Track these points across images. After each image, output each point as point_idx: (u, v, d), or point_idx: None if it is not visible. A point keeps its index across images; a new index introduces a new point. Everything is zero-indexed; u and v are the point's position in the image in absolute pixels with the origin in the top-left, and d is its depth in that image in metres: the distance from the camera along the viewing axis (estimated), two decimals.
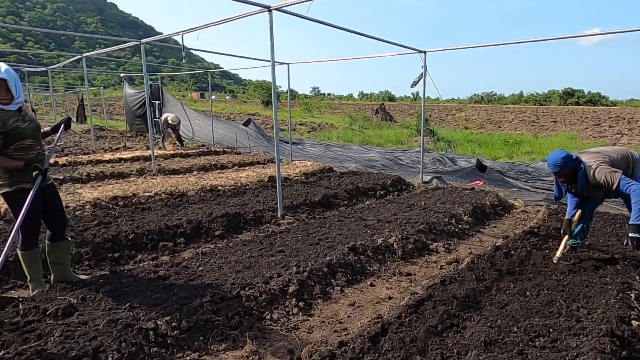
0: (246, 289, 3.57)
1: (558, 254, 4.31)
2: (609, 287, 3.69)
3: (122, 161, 10.41)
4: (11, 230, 3.46)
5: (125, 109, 19.93)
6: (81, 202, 6.34)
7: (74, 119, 24.95)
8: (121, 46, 10.10)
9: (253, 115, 31.56)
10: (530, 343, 2.84)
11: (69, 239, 3.94)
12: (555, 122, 33.02)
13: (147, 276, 3.85)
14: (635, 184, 3.64)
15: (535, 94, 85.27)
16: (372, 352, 2.73)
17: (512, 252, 4.67)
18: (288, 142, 12.72)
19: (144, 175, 8.65)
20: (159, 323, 2.98)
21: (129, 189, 7.20)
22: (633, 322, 3.17)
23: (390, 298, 3.84)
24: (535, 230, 5.49)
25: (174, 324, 3.01)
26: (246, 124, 17.05)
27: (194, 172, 9.32)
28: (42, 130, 3.71)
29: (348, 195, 7.45)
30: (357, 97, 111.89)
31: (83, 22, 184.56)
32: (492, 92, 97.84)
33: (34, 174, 3.29)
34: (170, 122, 13.25)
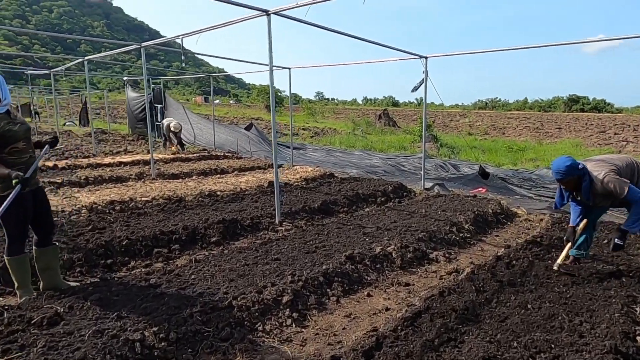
0: (239, 298, 3.47)
1: (559, 260, 4.20)
2: (613, 300, 3.57)
3: (122, 165, 10.36)
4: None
5: (128, 112, 19.93)
6: (77, 206, 6.27)
7: (77, 122, 25.02)
8: (122, 49, 10.09)
9: (256, 119, 31.54)
10: (530, 359, 2.72)
11: (57, 243, 3.86)
12: (559, 128, 32.86)
13: (138, 284, 3.76)
14: None
15: (540, 100, 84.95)
16: None
17: (514, 262, 4.55)
18: (289, 147, 12.64)
19: (143, 180, 8.58)
20: (146, 334, 2.89)
21: (126, 194, 7.13)
22: (638, 338, 3.05)
23: (387, 309, 3.73)
24: (538, 239, 5.37)
25: (161, 335, 2.91)
26: (248, 128, 16.99)
27: (194, 177, 9.25)
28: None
29: (348, 202, 7.34)
30: (360, 102, 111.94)
31: (89, 26, 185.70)
32: (497, 98, 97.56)
33: (13, 182, 3.19)
34: (172, 129, 13.22)
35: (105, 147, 14.50)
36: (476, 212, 6.49)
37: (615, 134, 27.56)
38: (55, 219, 5.63)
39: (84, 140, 16.50)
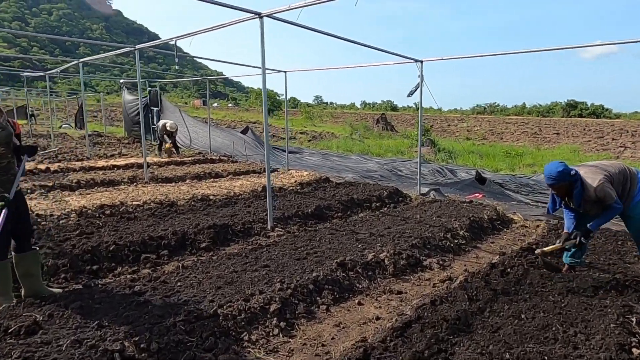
0: (225, 307, 3.37)
1: (546, 248, 4.14)
2: (609, 310, 3.48)
3: (115, 168, 10.26)
4: None
5: (124, 115, 19.85)
6: (67, 210, 6.17)
7: (73, 125, 24.91)
8: (116, 52, 10.02)
9: (254, 123, 31.46)
10: None
11: (37, 249, 3.76)
12: (558, 134, 32.84)
13: (122, 291, 3.66)
14: (620, 206, 3.71)
15: (538, 105, 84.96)
16: None
17: (509, 270, 4.46)
18: (286, 151, 12.56)
19: (136, 183, 8.49)
20: (126, 344, 2.79)
21: (117, 198, 7.04)
22: (634, 350, 2.96)
23: (378, 318, 3.64)
24: (534, 246, 5.26)
25: (142, 345, 2.81)
26: (244, 131, 16.93)
27: (187, 181, 9.16)
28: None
29: (342, 207, 7.26)
30: (359, 107, 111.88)
31: (88, 29, 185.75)
32: (495, 103, 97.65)
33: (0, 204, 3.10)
34: (168, 128, 13.12)
35: (100, 150, 14.40)
36: (472, 218, 6.41)
37: (613, 139, 27.55)
38: (43, 223, 5.57)
39: (79, 143, 16.39)
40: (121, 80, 19.27)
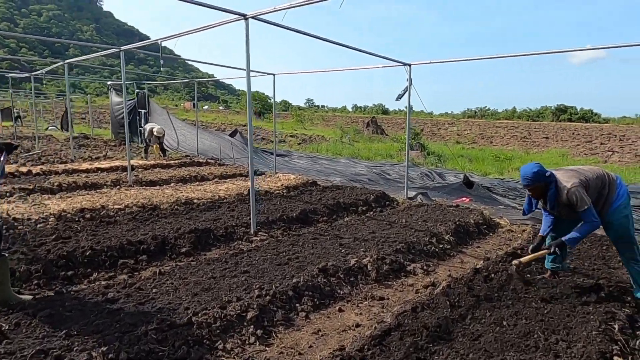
0: (200, 314, 3.28)
1: (523, 259, 4.05)
2: (592, 317, 3.44)
3: (99, 171, 10.08)
4: None
5: (111, 117, 19.63)
6: (45, 214, 6.02)
7: (59, 126, 24.61)
8: (102, 53, 9.88)
9: (244, 126, 31.29)
10: None
11: (6, 254, 3.63)
12: (547, 138, 33.06)
13: (94, 299, 3.55)
14: (597, 220, 3.61)
15: (528, 109, 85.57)
16: None
17: (492, 275, 4.41)
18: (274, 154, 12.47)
19: (119, 187, 8.34)
20: (93, 354, 2.69)
21: (99, 201, 6.89)
22: (615, 358, 2.92)
23: (358, 325, 3.56)
24: (519, 251, 5.23)
25: (111, 355, 2.71)
26: (232, 134, 16.80)
27: (172, 184, 9.03)
28: None
29: (328, 211, 7.18)
30: (350, 110, 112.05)
31: (78, 30, 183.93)
32: (486, 107, 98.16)
33: None
34: (155, 133, 12.97)
35: (85, 152, 14.19)
36: (457, 223, 6.36)
37: (601, 143, 27.77)
38: (19, 227, 5.43)
39: (64, 145, 16.16)
40: (109, 82, 19.05)
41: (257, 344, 3.18)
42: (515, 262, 4.06)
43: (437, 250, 5.50)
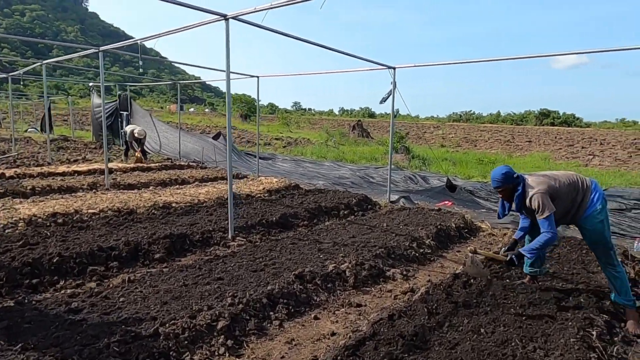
0: (167, 324, 3.14)
1: (481, 251, 4.05)
2: (570, 323, 3.38)
3: (76, 174, 9.83)
4: None
5: (92, 119, 19.29)
6: (15, 219, 5.82)
7: (39, 128, 24.11)
8: (80, 54, 9.65)
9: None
10: None
11: None
12: (530, 142, 33.43)
13: (57, 309, 3.38)
14: (554, 231, 3.51)
15: (512, 113, 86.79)
16: None
17: (472, 280, 4.34)
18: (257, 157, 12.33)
19: (95, 190, 8.13)
20: None
21: (73, 205, 6.69)
22: None
23: (333, 334, 3.45)
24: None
25: None
26: (216, 137, 16.60)
27: (151, 188, 8.84)
28: None
29: (309, 215, 7.07)
30: (337, 113, 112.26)
31: (63, 31, 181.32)
32: (471, 111, 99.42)
33: None
34: (136, 135, 12.74)
35: (63, 155, 13.88)
36: (439, 227, 6.31)
37: (582, 147, 28.16)
38: None
39: (42, 148, 15.80)
40: (90, 84, 18.73)
41: (227, 354, 3.06)
42: (471, 248, 4.06)
43: (417, 255, 5.43)
